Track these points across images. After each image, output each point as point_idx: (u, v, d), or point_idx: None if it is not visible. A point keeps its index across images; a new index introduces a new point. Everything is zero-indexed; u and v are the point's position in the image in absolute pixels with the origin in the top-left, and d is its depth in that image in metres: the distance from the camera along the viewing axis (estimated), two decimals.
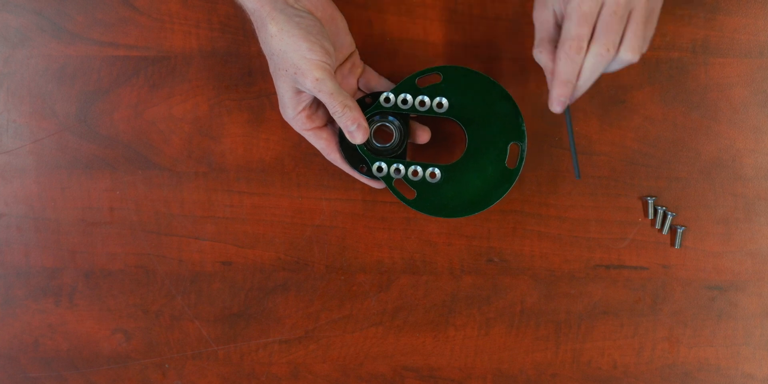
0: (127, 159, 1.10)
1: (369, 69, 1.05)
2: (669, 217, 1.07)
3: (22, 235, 1.11)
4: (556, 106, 0.95)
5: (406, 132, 1.02)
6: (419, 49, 1.09)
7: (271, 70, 0.98)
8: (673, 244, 1.08)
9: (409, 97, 1.01)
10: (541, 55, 0.96)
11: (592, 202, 1.08)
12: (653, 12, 0.94)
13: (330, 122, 1.03)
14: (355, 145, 1.00)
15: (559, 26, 0.95)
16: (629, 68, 1.02)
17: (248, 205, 1.10)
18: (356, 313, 1.09)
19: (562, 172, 1.08)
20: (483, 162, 1.00)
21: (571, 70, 0.93)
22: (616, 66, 0.94)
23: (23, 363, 1.12)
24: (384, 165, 1.01)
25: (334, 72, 1.00)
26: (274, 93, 1.06)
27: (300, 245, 1.10)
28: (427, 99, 1.00)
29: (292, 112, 0.99)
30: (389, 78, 1.06)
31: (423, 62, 1.08)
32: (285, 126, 1.08)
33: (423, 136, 1.03)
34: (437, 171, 1.00)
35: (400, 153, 1.01)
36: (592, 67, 0.93)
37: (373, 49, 1.09)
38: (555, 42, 0.95)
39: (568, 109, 1.04)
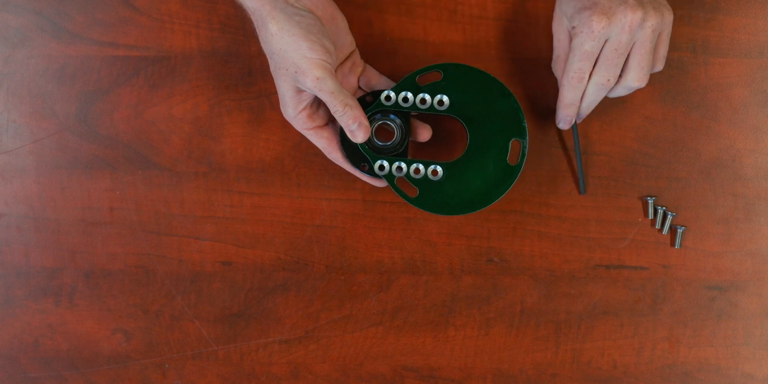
0: (127, 159, 1.10)
1: (369, 67, 1.06)
2: (669, 217, 1.07)
3: (22, 235, 1.11)
4: (563, 124, 1.05)
5: (408, 130, 1.02)
6: (419, 48, 1.09)
7: (272, 69, 0.98)
8: (673, 244, 1.08)
9: (409, 95, 1.01)
10: (557, 72, 1.04)
11: (592, 202, 1.08)
12: (661, 37, 0.99)
13: (331, 121, 1.03)
14: (356, 143, 1.00)
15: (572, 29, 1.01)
16: None
17: (248, 205, 1.10)
18: (356, 313, 1.09)
19: (562, 172, 1.08)
20: (485, 159, 1.00)
21: (574, 96, 1.01)
22: (623, 91, 1.02)
23: (23, 363, 1.11)
24: (386, 163, 1.01)
25: (335, 71, 1.00)
26: (274, 93, 1.07)
27: (300, 245, 1.09)
28: (428, 97, 1.01)
29: (293, 112, 0.99)
30: (389, 78, 1.06)
31: (423, 62, 1.08)
32: (285, 126, 1.08)
33: (424, 133, 1.03)
34: (439, 168, 1.00)
35: (402, 151, 1.02)
36: (593, 95, 1.01)
37: (373, 48, 1.09)
38: (567, 57, 1.02)
39: (576, 127, 1.05)
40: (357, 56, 1.04)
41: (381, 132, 1.02)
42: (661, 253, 1.08)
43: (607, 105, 1.07)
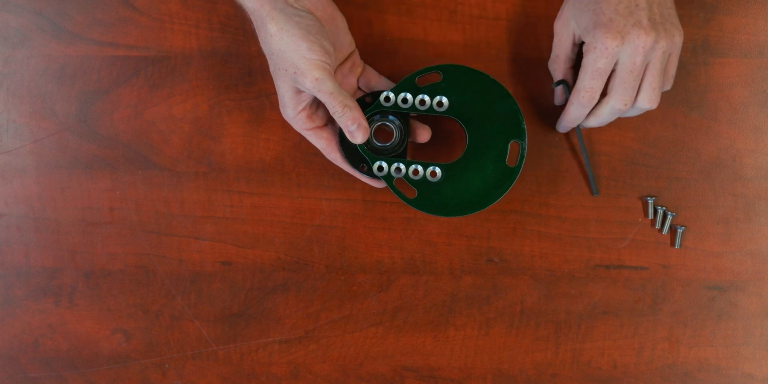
0: (127, 159, 1.10)
1: (369, 68, 1.05)
2: (669, 217, 1.07)
3: (22, 235, 1.11)
4: (562, 130, 1.07)
5: (407, 131, 1.02)
6: (419, 49, 1.09)
7: (271, 69, 0.98)
8: (673, 244, 1.08)
9: (409, 96, 1.01)
10: (554, 72, 1.06)
11: (592, 202, 1.08)
12: (671, 58, 0.99)
13: (330, 122, 1.03)
14: (355, 144, 1.00)
15: (575, 46, 1.03)
16: None
17: (248, 205, 1.10)
18: (356, 313, 1.09)
19: (562, 172, 1.08)
20: (483, 160, 1.00)
21: (582, 113, 1.02)
22: (635, 112, 1.01)
23: (23, 363, 1.11)
24: (385, 164, 1.01)
25: (334, 71, 1.00)
26: (274, 93, 1.07)
27: (300, 245, 1.10)
28: (427, 98, 1.00)
29: (293, 112, 0.99)
30: (389, 78, 1.06)
31: (423, 62, 1.08)
32: (285, 126, 1.08)
33: (423, 135, 1.03)
34: (438, 170, 1.00)
35: (401, 152, 1.01)
36: (607, 117, 1.02)
37: (373, 49, 1.09)
38: (569, 61, 1.04)
39: (579, 130, 1.05)
40: (357, 57, 1.04)
41: (380, 133, 1.02)
42: (661, 253, 1.08)
43: None
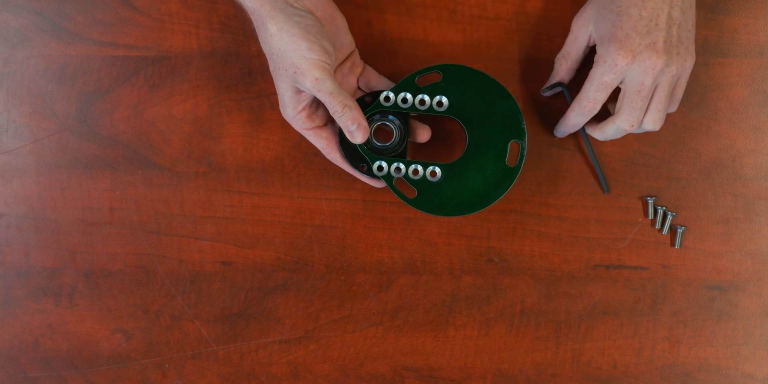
0: (127, 159, 1.10)
1: (369, 68, 1.05)
2: (669, 217, 1.07)
3: (22, 235, 1.11)
4: (558, 135, 1.07)
5: (407, 131, 1.02)
6: (419, 49, 1.09)
7: (271, 69, 0.98)
8: (673, 244, 1.08)
9: (409, 95, 1.01)
10: (560, 66, 1.06)
11: (592, 202, 1.08)
12: (680, 81, 0.99)
13: (330, 121, 1.03)
14: (355, 144, 1.00)
15: (588, 48, 1.03)
16: None
17: (248, 205, 1.10)
18: (356, 313, 1.09)
19: (562, 172, 1.08)
20: (483, 160, 1.00)
21: (581, 121, 1.02)
22: (637, 132, 1.01)
23: (23, 363, 1.11)
24: (384, 164, 1.01)
25: (334, 71, 1.00)
26: (274, 93, 1.07)
27: (300, 245, 1.10)
28: (427, 98, 1.00)
29: (292, 112, 0.99)
30: (389, 78, 1.06)
31: (423, 62, 1.08)
32: (285, 126, 1.08)
33: (423, 134, 1.03)
34: (438, 170, 1.00)
35: (401, 152, 1.01)
36: (612, 135, 1.02)
37: (373, 49, 1.09)
38: (577, 61, 1.04)
39: (584, 131, 1.05)
40: (356, 57, 1.04)
41: (380, 133, 1.02)
42: (661, 253, 1.08)
43: (607, 105, 1.07)
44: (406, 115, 1.02)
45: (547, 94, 1.06)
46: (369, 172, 1.01)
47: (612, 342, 1.08)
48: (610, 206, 1.08)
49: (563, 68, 1.05)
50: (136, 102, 1.10)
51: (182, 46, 1.10)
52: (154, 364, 1.11)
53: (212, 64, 1.10)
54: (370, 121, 1.01)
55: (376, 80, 1.05)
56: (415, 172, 1.01)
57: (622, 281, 1.08)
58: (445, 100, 1.00)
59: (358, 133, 0.98)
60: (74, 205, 1.11)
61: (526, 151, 1.00)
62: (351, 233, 1.09)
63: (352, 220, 1.09)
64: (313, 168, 1.09)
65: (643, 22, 0.95)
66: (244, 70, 1.10)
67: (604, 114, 1.03)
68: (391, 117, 1.01)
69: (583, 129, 1.06)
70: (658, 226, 1.08)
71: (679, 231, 1.07)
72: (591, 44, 1.02)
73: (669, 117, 1.07)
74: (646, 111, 0.98)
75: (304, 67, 0.94)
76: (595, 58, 0.98)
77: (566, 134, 1.06)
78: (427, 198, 1.01)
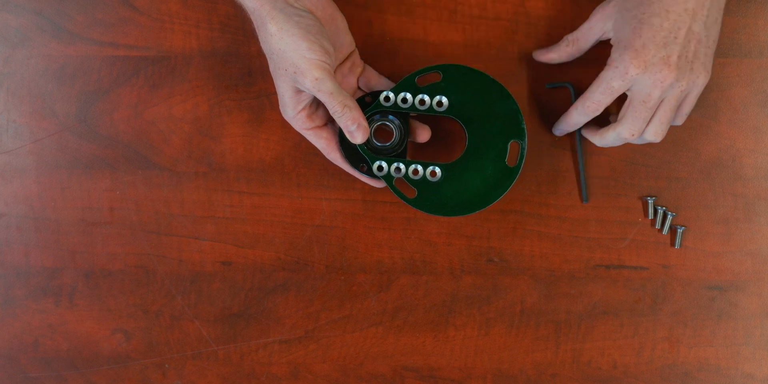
0: (127, 159, 1.10)
1: (369, 68, 1.05)
2: (669, 217, 1.07)
3: (22, 235, 1.11)
4: (557, 133, 1.07)
5: (406, 131, 1.02)
6: (419, 49, 1.09)
7: (271, 69, 0.98)
8: (673, 244, 1.08)
9: (408, 95, 1.01)
10: (564, 47, 1.05)
11: (592, 202, 1.08)
12: (689, 96, 0.99)
13: (330, 121, 1.03)
14: (355, 144, 1.00)
15: (598, 41, 1.02)
16: None
17: (248, 205, 1.10)
18: (356, 313, 1.09)
19: (561, 172, 1.08)
20: (483, 160, 1.00)
21: (582, 120, 1.02)
22: (638, 142, 1.01)
23: (23, 363, 1.11)
24: (384, 164, 1.01)
25: (334, 71, 1.00)
26: (274, 93, 1.07)
27: (300, 245, 1.10)
28: (426, 98, 1.00)
29: (292, 112, 0.99)
30: (389, 78, 1.06)
31: (423, 62, 1.08)
32: (285, 126, 1.08)
33: (423, 134, 1.03)
34: (438, 170, 1.00)
35: (401, 152, 1.01)
36: (612, 142, 1.02)
37: (373, 49, 1.09)
38: (582, 50, 1.04)
39: (579, 134, 1.05)
40: (356, 57, 1.04)
41: (380, 133, 1.02)
42: (661, 253, 1.08)
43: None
44: (406, 115, 1.02)
45: (551, 86, 1.06)
46: (369, 172, 1.01)
47: (612, 342, 1.08)
48: (610, 206, 1.08)
49: (566, 50, 1.04)
50: (136, 102, 1.10)
51: (182, 46, 1.10)
52: (154, 364, 1.11)
53: (212, 64, 1.10)
54: (370, 121, 1.00)
55: (376, 80, 1.05)
56: (415, 172, 1.01)
57: (622, 281, 1.08)
58: (445, 100, 1.00)
59: (358, 133, 0.98)
60: (74, 205, 1.11)
61: (526, 151, 1.00)
62: (351, 233, 1.09)
63: (352, 220, 1.09)
64: (313, 168, 1.09)
65: (662, 33, 0.94)
66: (244, 70, 1.10)
67: (605, 119, 1.03)
68: (391, 117, 1.01)
69: (579, 135, 1.06)
70: (658, 226, 1.08)
71: (679, 231, 1.07)
72: (603, 38, 1.01)
73: None
74: (650, 122, 0.98)
75: (304, 67, 0.94)
76: (608, 61, 0.97)
77: (564, 132, 1.06)
78: (427, 198, 1.01)
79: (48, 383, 1.11)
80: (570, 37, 1.04)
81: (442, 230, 1.09)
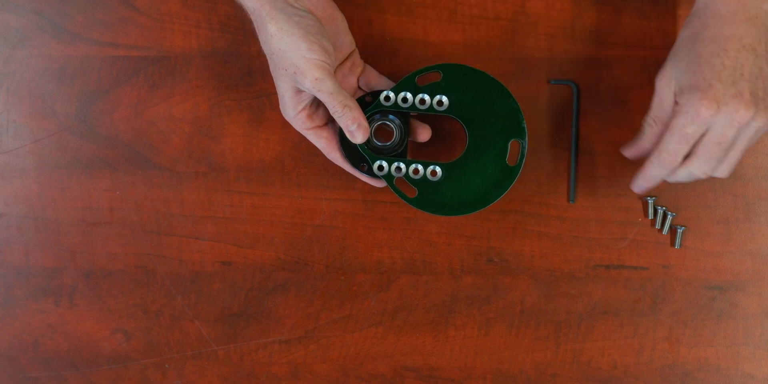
0: (127, 159, 1.10)
1: (369, 68, 1.05)
2: (669, 217, 1.07)
3: (22, 235, 1.11)
4: (638, 190, 1.01)
5: (407, 130, 1.02)
6: (419, 48, 1.09)
7: (271, 69, 0.98)
8: (673, 244, 1.07)
9: (409, 95, 1.00)
10: (650, 130, 0.97)
11: (592, 202, 1.08)
12: (755, 139, 0.93)
13: (330, 121, 1.03)
14: (355, 144, 1.00)
15: (675, 104, 0.94)
16: (629, 68, 1.04)
17: (248, 205, 1.10)
18: (356, 313, 1.09)
19: (562, 172, 1.08)
20: (484, 160, 1.00)
21: (660, 174, 0.96)
22: (703, 178, 0.96)
23: (23, 363, 1.11)
24: (385, 164, 1.01)
25: (334, 71, 1.00)
26: (274, 93, 1.06)
27: (300, 245, 1.10)
28: (427, 97, 1.00)
29: (293, 112, 0.99)
30: (389, 78, 1.06)
31: (423, 62, 1.07)
32: (285, 126, 1.08)
33: (423, 134, 1.03)
34: (438, 169, 1.00)
35: (401, 151, 1.01)
36: (683, 178, 0.96)
37: (373, 48, 1.09)
38: (665, 122, 0.95)
39: (576, 133, 1.05)
40: (357, 56, 1.04)
41: (380, 132, 1.02)
42: (661, 253, 1.08)
43: (607, 105, 1.07)
44: (406, 115, 1.02)
45: (556, 83, 1.06)
46: (369, 172, 1.01)
47: (612, 342, 1.08)
48: (610, 206, 1.08)
49: (653, 132, 0.97)
50: (136, 102, 1.10)
51: (182, 46, 1.10)
52: (154, 364, 1.11)
53: (212, 64, 1.10)
54: (370, 120, 1.00)
55: (376, 80, 1.05)
56: (416, 171, 1.01)
57: (622, 281, 1.08)
58: (445, 99, 1.00)
59: (358, 132, 0.98)
60: (74, 205, 1.11)
61: (526, 151, 1.00)
62: (351, 233, 1.09)
63: (352, 220, 1.09)
64: (313, 168, 1.09)
65: (726, 71, 0.89)
66: (244, 70, 1.10)
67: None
68: (391, 116, 1.01)
69: (574, 133, 1.06)
70: (658, 226, 1.08)
71: (679, 231, 1.07)
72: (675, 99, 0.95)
73: None
74: (722, 161, 0.93)
75: (304, 67, 0.94)
76: (676, 109, 0.92)
77: (645, 189, 1.00)
78: (428, 197, 1.01)
79: (48, 383, 1.11)
80: (648, 118, 0.97)
81: (442, 230, 1.09)
